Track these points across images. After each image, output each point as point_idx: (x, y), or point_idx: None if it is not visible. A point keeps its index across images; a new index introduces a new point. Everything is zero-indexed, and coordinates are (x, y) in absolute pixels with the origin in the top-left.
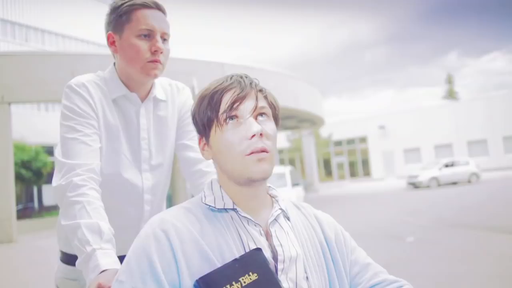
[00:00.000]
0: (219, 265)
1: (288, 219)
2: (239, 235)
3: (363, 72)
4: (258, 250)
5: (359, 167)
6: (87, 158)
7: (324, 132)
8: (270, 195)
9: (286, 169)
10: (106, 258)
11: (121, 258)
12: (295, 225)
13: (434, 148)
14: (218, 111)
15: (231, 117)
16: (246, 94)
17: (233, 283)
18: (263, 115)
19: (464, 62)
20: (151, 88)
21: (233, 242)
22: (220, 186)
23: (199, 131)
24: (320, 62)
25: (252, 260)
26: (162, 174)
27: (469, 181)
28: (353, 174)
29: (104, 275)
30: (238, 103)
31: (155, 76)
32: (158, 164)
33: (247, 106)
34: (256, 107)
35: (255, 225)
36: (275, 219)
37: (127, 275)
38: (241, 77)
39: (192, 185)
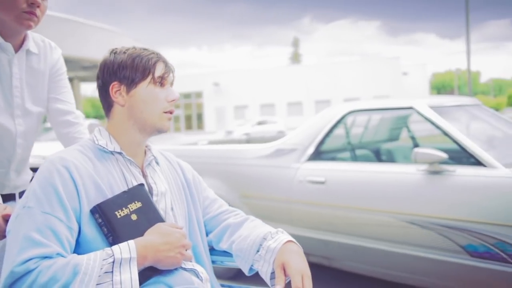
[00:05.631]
0: (110, 196)
1: (158, 163)
2: (123, 173)
3: (223, 26)
4: (141, 185)
5: (194, 120)
6: None
7: None
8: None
9: None
10: None
11: None
12: (163, 168)
13: (260, 107)
14: (154, 72)
15: (160, 83)
16: (170, 70)
17: (123, 208)
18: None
19: (315, 27)
20: (24, 39)
21: (119, 179)
22: (109, 134)
23: (122, 79)
24: (181, 12)
25: (137, 192)
26: (34, 121)
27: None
28: (188, 127)
29: None
30: (168, 74)
31: (29, 27)
32: (30, 111)
33: (171, 78)
34: (173, 80)
35: (136, 167)
36: (149, 163)
37: (35, 202)
38: (162, 56)
39: (58, 133)
